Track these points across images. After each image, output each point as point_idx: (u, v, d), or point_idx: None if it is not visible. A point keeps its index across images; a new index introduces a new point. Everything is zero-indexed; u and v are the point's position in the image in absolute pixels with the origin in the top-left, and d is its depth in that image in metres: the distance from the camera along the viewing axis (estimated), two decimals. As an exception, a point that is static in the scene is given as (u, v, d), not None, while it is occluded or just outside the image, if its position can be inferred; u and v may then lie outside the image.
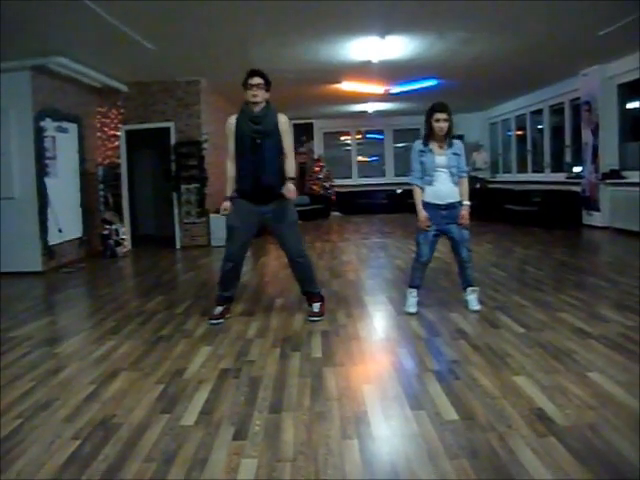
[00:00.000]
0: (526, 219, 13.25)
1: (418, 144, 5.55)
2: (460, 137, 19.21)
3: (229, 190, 5.56)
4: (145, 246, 12.35)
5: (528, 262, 8.64)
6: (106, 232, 11.08)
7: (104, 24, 7.17)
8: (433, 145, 5.46)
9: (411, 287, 5.79)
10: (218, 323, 5.56)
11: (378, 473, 2.70)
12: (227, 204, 5.50)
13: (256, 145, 5.32)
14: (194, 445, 3.04)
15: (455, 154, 5.48)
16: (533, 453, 2.78)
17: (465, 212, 5.56)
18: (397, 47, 9.56)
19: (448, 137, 5.46)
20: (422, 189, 5.53)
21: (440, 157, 5.45)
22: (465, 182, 5.62)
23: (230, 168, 5.53)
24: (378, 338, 5.15)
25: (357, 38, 8.97)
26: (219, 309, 5.69)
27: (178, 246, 12.12)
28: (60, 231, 9.71)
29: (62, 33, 7.79)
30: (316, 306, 5.71)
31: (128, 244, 11.81)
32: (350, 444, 2.98)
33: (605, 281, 6.87)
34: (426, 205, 5.53)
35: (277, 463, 2.81)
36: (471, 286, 5.80)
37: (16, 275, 8.80)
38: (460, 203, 5.55)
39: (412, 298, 5.77)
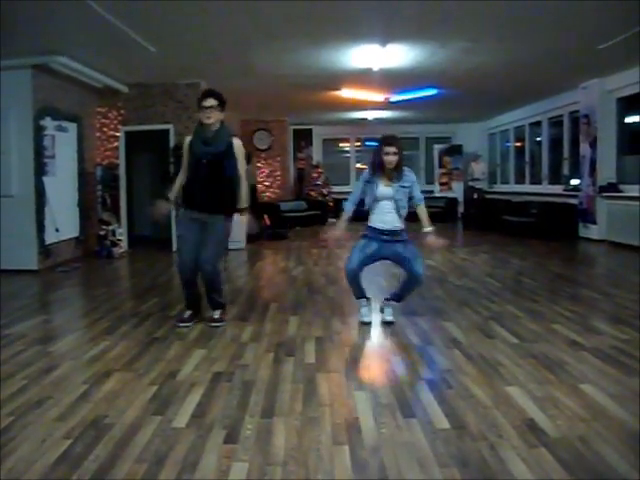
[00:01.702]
0: (523, 230, 13.26)
1: (366, 174, 5.56)
2: (459, 147, 19.34)
3: (172, 194, 5.69)
4: (141, 247, 12.33)
5: (523, 273, 8.65)
6: (103, 232, 11.08)
7: (106, 24, 7.17)
8: (380, 177, 5.44)
9: (357, 298, 5.81)
10: (187, 326, 5.59)
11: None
12: (162, 204, 5.65)
13: (203, 165, 5.39)
14: (185, 447, 3.04)
15: (402, 187, 5.42)
16: (523, 463, 2.79)
17: (431, 238, 5.53)
18: (398, 55, 9.57)
19: (398, 170, 5.41)
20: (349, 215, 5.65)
21: (386, 188, 5.43)
22: (423, 209, 5.56)
23: (178, 179, 5.66)
24: (372, 345, 5.17)
25: (358, 45, 8.97)
26: (188, 313, 5.75)
27: (174, 248, 12.09)
28: (57, 230, 9.71)
29: (64, 32, 7.80)
30: (217, 312, 5.73)
31: (124, 245, 11.77)
32: (341, 450, 2.99)
33: (600, 294, 6.89)
34: (369, 229, 5.55)
35: (268, 467, 2.82)
36: (396, 300, 5.77)
37: (12, 273, 8.77)
38: (403, 230, 5.52)
39: (363, 308, 5.77)
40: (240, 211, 5.65)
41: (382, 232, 5.46)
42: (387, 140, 5.41)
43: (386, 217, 5.45)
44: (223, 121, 5.50)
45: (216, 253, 5.60)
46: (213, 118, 5.35)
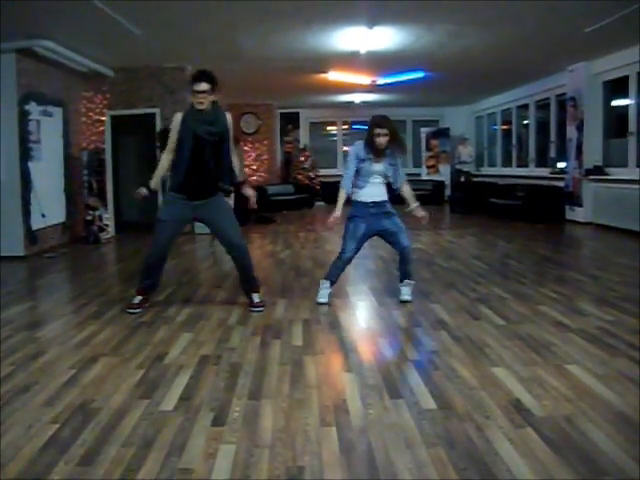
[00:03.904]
0: (510, 213, 13.31)
1: (359, 150, 5.56)
2: (446, 130, 19.34)
3: (154, 181, 5.51)
4: (128, 232, 12.27)
5: (510, 255, 8.69)
6: (89, 218, 11.04)
7: (90, 8, 7.10)
8: (372, 155, 5.53)
9: (326, 279, 5.86)
10: (136, 312, 5.53)
11: (355, 460, 2.71)
12: (144, 191, 5.46)
13: (205, 146, 5.24)
14: (173, 430, 3.05)
15: (391, 164, 5.59)
16: (510, 443, 2.81)
17: (419, 212, 5.70)
18: (385, 38, 9.54)
19: (389, 148, 5.53)
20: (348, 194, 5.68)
21: (377, 165, 5.56)
22: (408, 186, 5.74)
23: (165, 161, 5.45)
24: (359, 327, 5.19)
25: (345, 28, 8.93)
26: (138, 298, 5.65)
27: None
28: (43, 216, 9.65)
29: (48, 16, 7.70)
30: (256, 296, 5.68)
31: (111, 230, 11.74)
32: (328, 431, 3.00)
33: (585, 276, 6.93)
34: (356, 204, 5.64)
35: (255, 449, 2.83)
36: (408, 279, 5.84)
37: (-2, 259, 8.74)
38: (387, 202, 5.67)
39: (324, 290, 5.83)
40: (241, 184, 5.62)
41: (369, 205, 5.57)
42: (378, 123, 5.47)
43: (374, 190, 5.59)
44: (215, 100, 5.34)
45: (237, 227, 5.57)
46: (206, 103, 5.18)
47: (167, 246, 5.60)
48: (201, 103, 5.18)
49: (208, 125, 5.23)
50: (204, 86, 5.15)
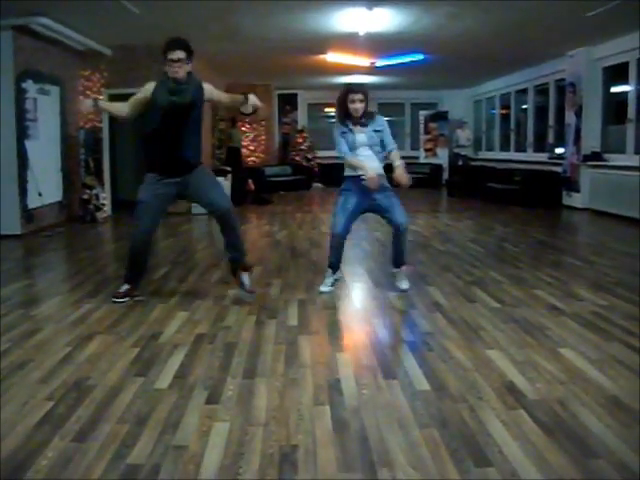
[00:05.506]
0: (507, 197, 13.29)
1: (338, 125, 5.31)
2: (444, 113, 19.29)
3: (106, 104, 5.30)
4: (125, 212, 12.19)
5: (507, 239, 8.69)
6: (86, 197, 11.00)
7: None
8: (351, 125, 5.25)
9: (328, 267, 5.60)
10: (122, 302, 5.19)
11: (348, 440, 2.73)
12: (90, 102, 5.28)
13: (169, 118, 4.87)
14: (167, 408, 3.06)
15: (375, 131, 5.26)
16: (502, 424, 2.83)
17: (399, 171, 5.16)
18: (384, 19, 9.48)
19: (365, 116, 5.23)
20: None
21: (360, 135, 5.23)
22: (397, 154, 5.32)
23: (122, 106, 5.22)
24: (354, 308, 5.20)
25: (344, 8, 8.87)
26: (125, 287, 5.31)
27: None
28: (40, 195, 9.62)
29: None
30: (246, 277, 5.39)
31: (108, 209, 11.72)
32: (322, 411, 3.02)
33: (581, 261, 6.94)
34: (348, 179, 5.36)
35: (249, 427, 2.84)
36: (402, 264, 5.56)
37: (-6, 237, 8.73)
38: (382, 176, 5.29)
39: (327, 278, 5.60)
40: (245, 96, 5.11)
41: (361, 179, 5.14)
42: (353, 88, 5.26)
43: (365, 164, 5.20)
44: (190, 71, 4.94)
45: (222, 191, 5.33)
46: (181, 72, 4.81)
47: (151, 229, 5.26)
48: (176, 72, 4.80)
49: (172, 95, 4.85)
50: (179, 54, 4.78)
